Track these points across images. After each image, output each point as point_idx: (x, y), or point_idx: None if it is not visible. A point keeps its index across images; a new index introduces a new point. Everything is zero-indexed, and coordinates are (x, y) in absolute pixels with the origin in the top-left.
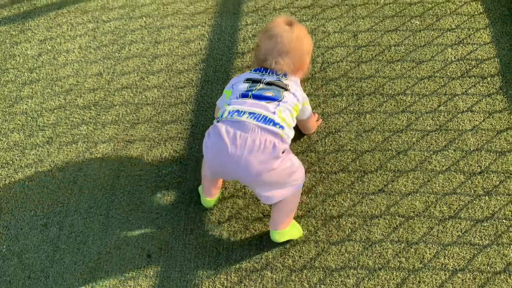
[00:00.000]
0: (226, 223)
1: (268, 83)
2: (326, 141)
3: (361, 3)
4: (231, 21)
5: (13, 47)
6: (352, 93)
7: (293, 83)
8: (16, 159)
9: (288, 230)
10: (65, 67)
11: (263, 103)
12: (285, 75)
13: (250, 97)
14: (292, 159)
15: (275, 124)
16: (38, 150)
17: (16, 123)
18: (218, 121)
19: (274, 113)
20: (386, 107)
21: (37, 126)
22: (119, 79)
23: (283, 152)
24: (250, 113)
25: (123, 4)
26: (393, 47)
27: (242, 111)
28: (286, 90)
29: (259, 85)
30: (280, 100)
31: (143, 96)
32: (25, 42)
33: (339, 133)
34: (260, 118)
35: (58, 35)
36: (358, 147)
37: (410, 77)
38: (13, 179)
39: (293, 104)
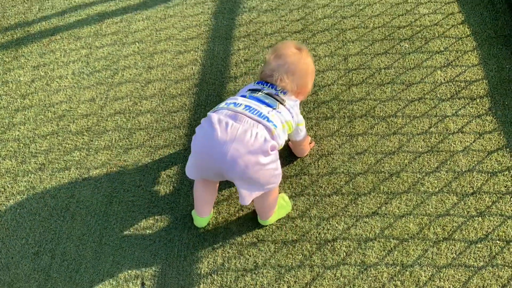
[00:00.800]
0: (220, 249)
1: (267, 94)
2: (319, 163)
3: (351, 27)
4: (224, 46)
5: (6, 73)
6: (344, 116)
7: (292, 101)
8: (8, 186)
9: (275, 215)
10: (58, 93)
11: (258, 103)
12: (284, 92)
13: (247, 97)
14: (278, 162)
15: (269, 120)
16: (30, 177)
17: (8, 150)
18: (210, 113)
19: (268, 113)
20: (377, 129)
21: (30, 152)
22: (112, 104)
23: (272, 151)
24: (246, 106)
25: (116, 30)
26: (383, 70)
27: (239, 103)
28: (282, 104)
29: (257, 93)
30: (275, 109)
31: (136, 121)
32: (18, 68)
33: (332, 155)
34: (255, 112)
35: (51, 61)
36: (351, 169)
37: (400, 99)
38: (4, 207)
39: (286, 118)
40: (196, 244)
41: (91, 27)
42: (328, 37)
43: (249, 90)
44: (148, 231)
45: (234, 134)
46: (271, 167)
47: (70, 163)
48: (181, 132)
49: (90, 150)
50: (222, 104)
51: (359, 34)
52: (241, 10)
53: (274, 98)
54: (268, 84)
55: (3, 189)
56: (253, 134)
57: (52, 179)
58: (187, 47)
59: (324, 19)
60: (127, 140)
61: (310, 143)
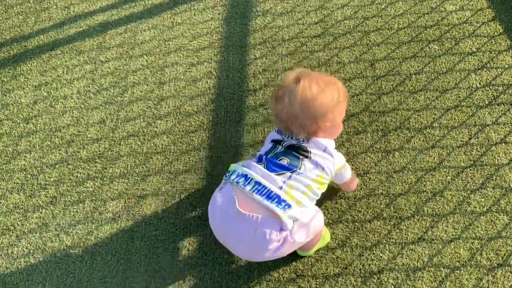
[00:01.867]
0: (257, 287)
1: (289, 147)
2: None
3: (374, 29)
4: (239, 56)
5: (5, 95)
6: (377, 129)
7: (320, 147)
8: (18, 224)
9: (314, 248)
10: (63, 115)
11: (272, 175)
12: (307, 139)
13: (264, 162)
14: (292, 238)
15: (280, 202)
16: (41, 212)
17: (15, 182)
18: (225, 179)
19: (281, 188)
20: (414, 142)
21: (38, 184)
22: (124, 126)
23: (279, 242)
24: (256, 183)
25: (121, 42)
26: (413, 75)
27: (249, 178)
28: (306, 157)
29: (278, 148)
30: (294, 171)
31: (152, 144)
32: (18, 89)
33: (368, 175)
34: (264, 192)
35: (54, 80)
36: (390, 190)
37: (435, 107)
38: (16, 247)
39: (313, 176)
40: (229, 282)
41: (93, 39)
42: (351, 41)
43: (272, 142)
44: (175, 270)
45: (235, 227)
46: (285, 248)
47: (84, 194)
48: (201, 155)
49: (105, 179)
50: (233, 176)
51: (384, 36)
52: (254, 14)
53: (296, 151)
54: (289, 136)
55: (13, 227)
56: (254, 229)
57: (65, 213)
58: (199, 58)
59: (345, 21)
60: (143, 166)
61: (353, 181)
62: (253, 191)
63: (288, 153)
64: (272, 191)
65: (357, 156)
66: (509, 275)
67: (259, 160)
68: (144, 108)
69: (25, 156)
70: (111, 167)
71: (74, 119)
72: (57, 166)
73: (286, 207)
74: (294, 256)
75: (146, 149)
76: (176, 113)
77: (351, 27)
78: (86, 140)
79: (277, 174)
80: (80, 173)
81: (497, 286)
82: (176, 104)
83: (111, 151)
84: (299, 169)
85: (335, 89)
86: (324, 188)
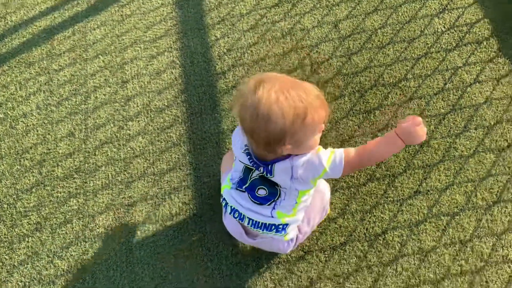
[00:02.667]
0: (267, 272)
1: (261, 177)
2: None
3: None
4: (199, 39)
5: None
6: (353, 91)
7: (285, 176)
8: (6, 258)
9: None
10: (27, 135)
11: (256, 207)
12: (269, 170)
13: (246, 193)
14: (306, 228)
15: (277, 228)
16: (28, 241)
17: None
18: (223, 205)
19: (271, 216)
20: (392, 98)
21: (18, 212)
22: (95, 134)
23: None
24: (249, 219)
25: (72, 46)
26: (378, 30)
27: (242, 214)
28: (279, 187)
29: (252, 175)
30: (275, 200)
31: (129, 148)
32: None
33: (353, 139)
34: (260, 225)
35: (7, 99)
36: None
37: (406, 59)
38: (10, 283)
39: (295, 196)
40: (240, 273)
41: (41, 47)
42: (310, 5)
43: (242, 163)
44: (181, 272)
45: (255, 244)
46: (299, 239)
47: (70, 214)
48: (183, 150)
49: (87, 193)
50: (228, 210)
51: None
52: None
53: (270, 182)
54: (252, 162)
55: (1, 263)
56: (268, 244)
57: (54, 237)
58: (158, 49)
59: None
60: (125, 173)
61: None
62: (250, 226)
63: (263, 183)
64: (266, 223)
65: (339, 122)
66: (505, 211)
67: (240, 187)
68: (112, 111)
69: None
70: (92, 180)
71: (40, 137)
72: (33, 189)
73: (285, 227)
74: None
75: (123, 154)
76: (147, 110)
77: None
78: (58, 156)
79: (261, 206)
80: (60, 192)
81: (496, 223)
82: (144, 101)
83: (88, 163)
84: (280, 196)
85: (300, 102)
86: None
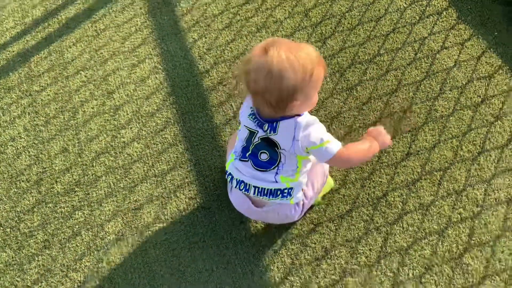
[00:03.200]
0: (283, 249)
1: (263, 139)
2: (334, 127)
3: None
4: (178, 43)
5: None
6: (333, 72)
7: (288, 136)
8: (18, 281)
9: (320, 194)
10: (19, 157)
11: (260, 174)
12: (273, 127)
13: (250, 161)
14: (311, 192)
15: (282, 193)
16: (39, 261)
17: None
18: (229, 180)
19: (276, 181)
20: (370, 73)
21: (23, 234)
22: (89, 147)
23: (298, 206)
24: (254, 188)
25: (50, 66)
26: (346, 13)
27: (247, 184)
28: (279, 148)
29: (255, 139)
30: (277, 165)
31: (126, 155)
32: None
33: (342, 114)
34: (266, 192)
35: None
36: (365, 121)
37: (376, 36)
38: None
39: (294, 159)
40: (256, 254)
41: (18, 71)
42: None
43: (248, 129)
44: (200, 264)
45: (261, 216)
46: (308, 200)
47: (77, 227)
48: (181, 148)
49: (92, 204)
50: (234, 183)
51: None
52: None
53: (271, 144)
54: (257, 122)
55: (14, 286)
56: (275, 213)
57: (65, 252)
58: (139, 57)
59: None
60: (127, 179)
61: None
62: (257, 195)
63: (265, 146)
64: (271, 189)
65: (325, 101)
66: (490, 158)
67: (244, 157)
68: (103, 122)
69: None
70: (94, 191)
71: (33, 158)
72: (35, 209)
73: (290, 191)
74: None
75: (121, 162)
76: (137, 117)
77: None
78: (56, 173)
79: (266, 171)
80: (64, 208)
81: (484, 171)
82: (133, 108)
83: (87, 175)
84: (280, 160)
85: (307, 60)
86: (308, 160)
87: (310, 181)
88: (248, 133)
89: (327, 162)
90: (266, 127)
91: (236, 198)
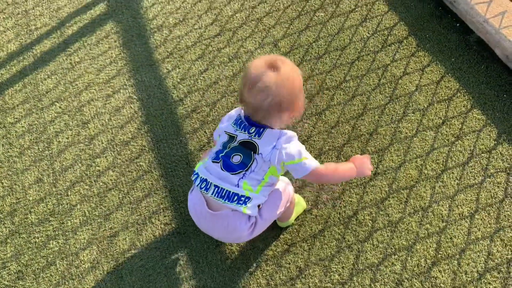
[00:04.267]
0: (258, 270)
1: (241, 143)
2: None
3: (264, 14)
4: (152, 73)
5: None
6: None
7: (270, 142)
8: None
9: (293, 214)
10: None
11: (228, 174)
12: (261, 131)
13: (220, 160)
14: (267, 214)
15: (239, 199)
16: None
17: None
18: (194, 179)
19: (237, 185)
20: (337, 98)
21: None
22: (64, 176)
23: (251, 222)
24: (215, 186)
25: (25, 98)
26: (313, 43)
27: (209, 182)
28: (257, 153)
29: (232, 143)
30: (247, 170)
31: (101, 183)
32: None
33: (311, 138)
34: (223, 194)
35: None
36: (334, 143)
37: (342, 64)
38: None
39: (265, 169)
40: (232, 277)
41: None
42: (249, 30)
43: (228, 135)
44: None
45: (212, 224)
46: (260, 227)
47: (52, 256)
48: (155, 175)
49: (67, 233)
50: (198, 181)
51: (275, 18)
52: (149, 32)
53: (248, 149)
54: (242, 125)
55: None
56: (224, 224)
57: (39, 282)
58: (113, 88)
59: (236, 15)
60: (102, 207)
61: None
62: (214, 195)
63: (241, 149)
64: (230, 191)
65: (295, 126)
66: (452, 176)
67: (216, 158)
68: (78, 152)
69: None
70: (69, 220)
71: (7, 189)
72: (8, 240)
73: (246, 200)
74: (279, 230)
75: (96, 190)
76: (112, 145)
77: (244, 18)
78: (30, 204)
79: (232, 174)
80: (38, 237)
81: (448, 188)
82: (108, 137)
83: (61, 204)
84: (251, 165)
85: (300, 76)
86: (281, 174)
87: (272, 203)
88: (227, 138)
89: (304, 177)
90: (252, 130)
91: (194, 197)
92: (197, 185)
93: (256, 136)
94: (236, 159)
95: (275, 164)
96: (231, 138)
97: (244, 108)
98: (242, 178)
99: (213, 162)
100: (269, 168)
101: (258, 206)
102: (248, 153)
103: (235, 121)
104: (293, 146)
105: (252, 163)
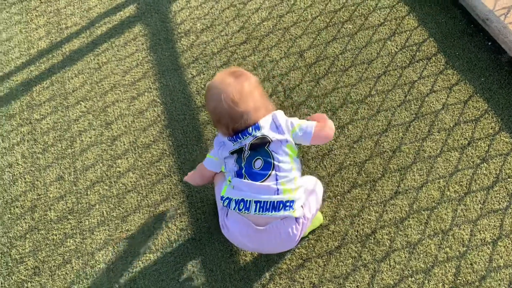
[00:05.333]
0: (271, 283)
1: (251, 147)
2: (325, 163)
3: (292, 24)
4: (177, 78)
5: None
6: (326, 110)
7: (271, 124)
8: None
9: (309, 228)
10: (15, 183)
11: (262, 184)
12: (257, 126)
13: (245, 177)
14: (307, 213)
15: (285, 205)
16: (27, 287)
17: None
18: (226, 208)
19: (277, 190)
20: (361, 113)
21: (13, 260)
22: (84, 175)
23: (298, 224)
24: (256, 202)
25: (51, 95)
26: (339, 55)
27: (247, 201)
28: (270, 142)
29: (244, 154)
30: (273, 168)
31: (120, 184)
32: None
33: (332, 152)
34: (268, 206)
35: None
36: (356, 159)
37: (368, 78)
38: None
39: (286, 153)
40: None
41: (20, 100)
42: (275, 39)
43: (232, 153)
44: None
45: (263, 242)
46: (306, 226)
47: (68, 254)
48: (174, 180)
49: (84, 232)
50: (233, 205)
51: (302, 28)
52: (177, 36)
53: (260, 146)
54: (237, 137)
55: None
56: (278, 234)
57: (54, 279)
58: (138, 90)
59: (263, 23)
60: (120, 208)
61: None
62: (258, 211)
63: (256, 152)
64: (274, 201)
65: None
66: (476, 199)
67: (240, 175)
68: (99, 152)
69: None
70: (87, 219)
71: (29, 184)
72: (27, 235)
73: (291, 204)
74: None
75: (116, 191)
76: (134, 148)
77: (271, 27)
78: (50, 200)
79: (264, 181)
80: (56, 235)
81: (470, 211)
82: (130, 139)
83: (80, 203)
84: (273, 160)
85: (248, 75)
86: (297, 151)
87: (307, 203)
88: (235, 157)
89: (312, 139)
90: (250, 130)
91: (235, 222)
92: (233, 209)
93: (257, 130)
94: (258, 164)
95: (288, 135)
96: (239, 151)
97: (223, 130)
98: (276, 180)
99: (238, 178)
100: (287, 148)
101: (302, 206)
102: (264, 150)
103: (230, 139)
104: (288, 118)
105: (272, 156)
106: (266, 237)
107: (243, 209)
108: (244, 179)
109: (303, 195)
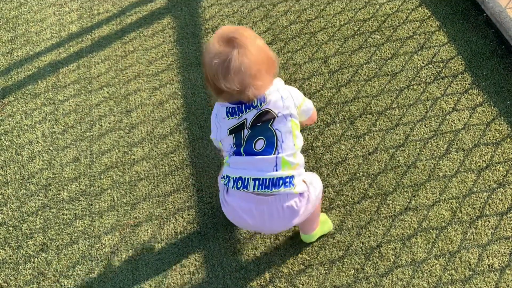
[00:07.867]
0: (271, 285)
1: (253, 124)
2: (337, 172)
3: (319, 29)
4: (199, 73)
5: None
6: (344, 118)
7: (277, 99)
8: (11, 279)
9: (319, 229)
10: (33, 160)
11: (260, 162)
12: (263, 98)
13: (243, 154)
14: (311, 194)
15: (284, 181)
16: (34, 262)
17: None
18: (225, 186)
19: (276, 166)
20: (379, 124)
21: (24, 234)
22: (100, 160)
23: (302, 197)
24: (254, 180)
25: (76, 78)
26: (364, 65)
27: (245, 178)
28: (275, 118)
29: (244, 134)
30: (276, 147)
31: (134, 172)
32: None
33: (346, 161)
34: (267, 184)
35: (13, 127)
36: (369, 170)
37: (390, 90)
38: None
39: (289, 129)
40: (244, 287)
41: (46, 80)
42: (301, 43)
43: (231, 132)
44: (186, 287)
45: (263, 217)
46: (308, 208)
47: (76, 235)
48: (186, 172)
49: (93, 215)
50: (231, 183)
51: (329, 34)
52: (204, 32)
53: (263, 123)
54: (243, 107)
55: (6, 284)
56: (279, 209)
57: (60, 258)
58: (161, 82)
59: (291, 26)
60: (130, 195)
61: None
62: (257, 189)
63: (258, 131)
64: (273, 178)
65: (332, 146)
66: (488, 224)
67: (238, 153)
68: (117, 138)
69: (1, 210)
70: (97, 202)
71: (46, 163)
72: (39, 212)
73: (291, 180)
74: (299, 248)
75: (128, 178)
76: (151, 137)
77: (298, 30)
78: (64, 180)
79: (266, 159)
80: (66, 215)
81: (481, 236)
82: (148, 129)
83: (93, 186)
84: (277, 139)
85: (251, 33)
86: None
87: (310, 181)
88: (233, 136)
89: (309, 118)
90: (255, 102)
91: (235, 197)
92: (232, 187)
93: (262, 103)
94: (259, 145)
95: (293, 109)
96: (239, 127)
97: (226, 98)
98: (276, 159)
99: (236, 155)
100: (291, 124)
101: (303, 180)
102: (267, 128)
103: (228, 113)
104: (290, 88)
105: (276, 136)
106: (268, 211)
107: (241, 187)
108: (243, 157)
109: (302, 170)
